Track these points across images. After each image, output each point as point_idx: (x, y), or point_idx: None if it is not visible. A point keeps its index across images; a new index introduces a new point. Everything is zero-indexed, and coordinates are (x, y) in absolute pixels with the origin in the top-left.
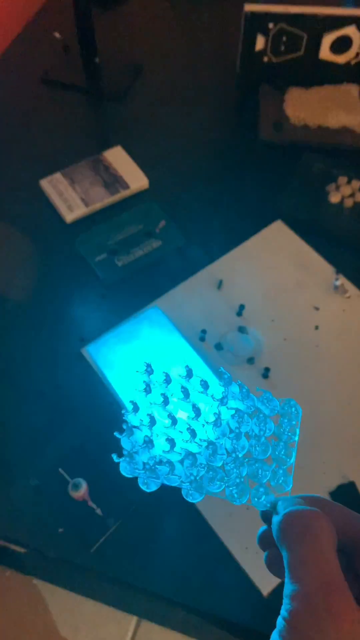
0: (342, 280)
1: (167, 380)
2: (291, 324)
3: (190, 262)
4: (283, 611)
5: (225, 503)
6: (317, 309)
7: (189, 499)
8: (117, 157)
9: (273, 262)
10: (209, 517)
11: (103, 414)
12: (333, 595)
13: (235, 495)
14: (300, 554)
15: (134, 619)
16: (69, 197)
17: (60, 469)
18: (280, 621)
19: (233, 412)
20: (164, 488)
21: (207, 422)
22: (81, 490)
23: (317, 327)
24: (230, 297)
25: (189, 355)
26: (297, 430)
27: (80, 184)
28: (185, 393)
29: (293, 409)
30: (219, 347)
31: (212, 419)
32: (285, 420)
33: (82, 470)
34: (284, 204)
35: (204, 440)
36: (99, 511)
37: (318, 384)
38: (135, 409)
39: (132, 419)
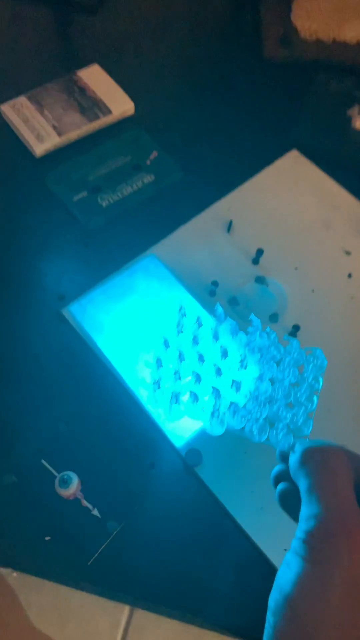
0: None
1: (199, 323)
2: (319, 272)
3: (192, 200)
4: (299, 532)
5: (253, 497)
6: (348, 253)
7: (212, 432)
8: (95, 78)
9: (292, 199)
10: (235, 513)
11: (93, 389)
12: (349, 517)
13: (255, 432)
14: (319, 479)
15: (126, 608)
16: (37, 125)
17: (43, 461)
18: (296, 542)
19: (258, 356)
20: (176, 479)
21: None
22: (72, 487)
23: (350, 275)
24: (244, 241)
25: (198, 313)
26: (321, 380)
27: (50, 109)
28: (215, 336)
29: (319, 360)
30: (233, 302)
31: (238, 360)
32: (310, 367)
33: (72, 460)
34: (298, 132)
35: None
36: (95, 512)
37: (355, 343)
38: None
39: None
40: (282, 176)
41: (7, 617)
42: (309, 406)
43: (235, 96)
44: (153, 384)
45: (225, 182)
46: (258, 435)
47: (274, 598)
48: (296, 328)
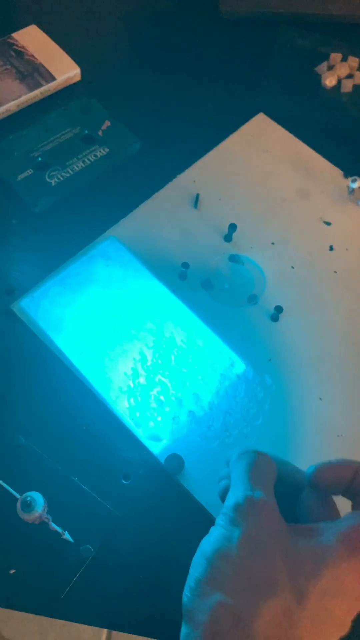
0: (359, 183)
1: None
2: (298, 246)
3: (152, 173)
4: (222, 509)
5: None
6: (328, 224)
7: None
8: (34, 40)
9: (263, 167)
10: None
11: (54, 396)
12: (257, 497)
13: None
14: (243, 471)
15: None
16: None
17: (1, 482)
18: (219, 517)
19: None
20: (155, 490)
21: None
22: (37, 510)
23: (331, 248)
24: (213, 216)
25: (168, 300)
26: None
27: None
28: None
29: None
30: (207, 285)
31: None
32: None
33: (34, 479)
34: (264, 94)
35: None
36: (65, 536)
37: (342, 319)
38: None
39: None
40: (250, 143)
41: None
42: (255, 421)
43: (193, 57)
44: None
45: (188, 151)
46: (211, 440)
47: (195, 558)
48: (278, 310)
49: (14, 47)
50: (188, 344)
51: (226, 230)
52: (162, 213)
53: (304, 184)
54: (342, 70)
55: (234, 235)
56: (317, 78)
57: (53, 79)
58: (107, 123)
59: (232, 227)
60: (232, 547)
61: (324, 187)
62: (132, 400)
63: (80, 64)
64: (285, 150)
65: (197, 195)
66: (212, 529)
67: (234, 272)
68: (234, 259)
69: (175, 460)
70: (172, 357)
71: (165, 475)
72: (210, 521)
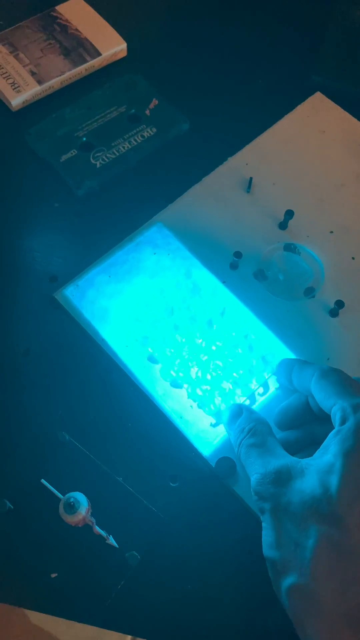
0: None
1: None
2: (359, 234)
3: (202, 156)
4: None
5: None
6: None
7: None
8: (78, 13)
9: (320, 150)
10: None
11: (98, 390)
12: None
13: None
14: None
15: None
16: (12, 72)
17: (43, 480)
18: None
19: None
20: (205, 494)
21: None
22: (80, 512)
23: None
24: (267, 201)
25: (218, 291)
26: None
27: (27, 52)
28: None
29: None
30: (260, 275)
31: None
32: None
33: (78, 479)
34: (320, 72)
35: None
36: (110, 540)
37: None
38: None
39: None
40: (306, 124)
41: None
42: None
43: (244, 33)
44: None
45: (240, 133)
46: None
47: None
48: (339, 305)
49: (58, 20)
50: (239, 339)
51: (281, 217)
52: (212, 198)
53: None
54: None
55: (290, 222)
56: None
57: (99, 54)
58: (155, 102)
59: (289, 213)
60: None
61: None
62: (181, 397)
63: (127, 38)
64: (345, 132)
65: (251, 179)
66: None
67: (290, 262)
68: (289, 248)
69: (227, 464)
70: (224, 353)
71: (216, 479)
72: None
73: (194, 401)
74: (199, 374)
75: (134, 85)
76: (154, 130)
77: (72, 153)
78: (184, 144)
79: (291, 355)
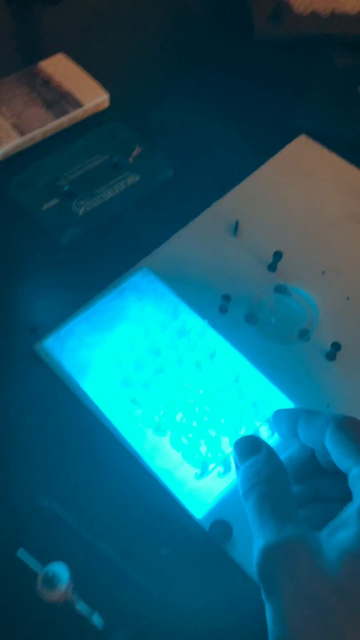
0: None
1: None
2: (352, 274)
3: (186, 201)
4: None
5: None
6: None
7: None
8: (61, 68)
9: (307, 191)
10: None
11: (81, 449)
12: None
13: None
14: None
15: None
16: None
17: (21, 550)
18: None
19: None
20: (200, 563)
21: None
22: (61, 587)
23: None
24: (255, 244)
25: (207, 333)
26: None
27: (9, 106)
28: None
29: None
30: (251, 318)
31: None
32: None
33: (58, 548)
34: (305, 115)
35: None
36: (94, 619)
37: None
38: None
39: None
40: (291, 166)
41: None
42: None
43: (227, 81)
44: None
45: (225, 178)
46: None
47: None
48: (336, 347)
49: (41, 75)
50: (228, 383)
51: (270, 259)
52: (198, 242)
53: (354, 206)
54: None
55: (279, 264)
56: None
57: (80, 105)
58: (138, 149)
59: (277, 255)
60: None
61: None
62: (170, 453)
63: (110, 89)
64: (331, 172)
65: (237, 222)
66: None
67: (281, 304)
68: (280, 289)
69: (222, 527)
70: (206, 409)
71: (211, 544)
72: None
73: (177, 450)
74: (184, 420)
75: (116, 133)
76: (138, 177)
77: (54, 202)
78: (169, 190)
79: (286, 401)
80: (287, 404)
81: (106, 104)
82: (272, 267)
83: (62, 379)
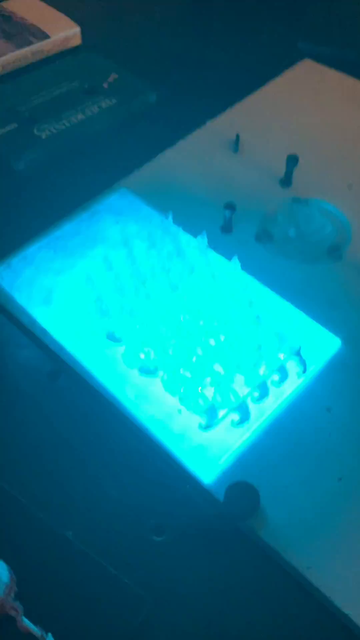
0: None
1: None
2: None
3: (173, 124)
4: None
5: None
6: None
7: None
8: (26, 6)
9: (318, 108)
10: (349, 608)
11: (37, 397)
12: None
13: None
14: None
15: None
16: None
17: None
18: None
19: None
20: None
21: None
22: None
23: None
24: (261, 159)
25: (210, 258)
26: None
27: None
28: None
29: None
30: (264, 236)
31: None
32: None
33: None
34: (307, 36)
35: None
36: None
37: None
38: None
39: None
40: (297, 86)
41: None
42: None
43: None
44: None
45: (218, 102)
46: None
47: None
48: None
49: (1, 12)
50: (240, 308)
51: (281, 173)
52: (191, 159)
53: None
54: None
55: (295, 177)
56: None
57: (47, 36)
58: (114, 76)
59: (292, 161)
60: None
61: None
62: (162, 400)
63: (83, 26)
64: (343, 90)
65: (237, 136)
66: None
67: (302, 217)
68: (299, 202)
69: (243, 494)
70: (221, 337)
71: (226, 523)
72: (318, 608)
73: (173, 395)
74: (180, 357)
75: (89, 62)
76: (114, 101)
77: (12, 126)
78: (152, 115)
79: (320, 328)
80: (322, 332)
81: (78, 40)
82: (285, 182)
83: (16, 315)
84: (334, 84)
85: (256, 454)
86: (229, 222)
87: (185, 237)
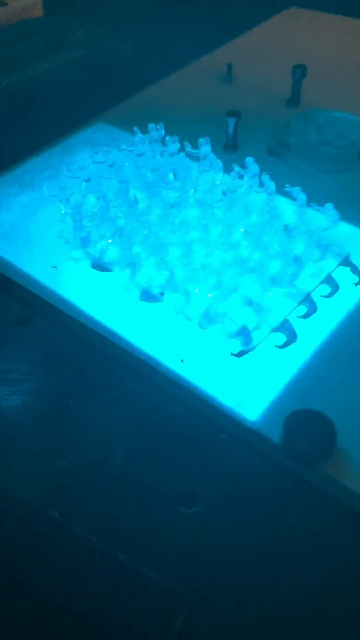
0: None
1: None
2: None
3: (155, 72)
4: None
5: None
6: None
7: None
8: None
9: (314, 41)
10: None
11: (11, 350)
12: None
13: None
14: None
15: None
16: None
17: None
18: None
19: None
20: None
21: None
22: None
23: None
24: (259, 84)
25: (218, 178)
26: None
27: None
28: None
29: None
30: (279, 147)
31: None
32: None
33: None
34: None
35: None
36: None
37: None
38: None
39: None
40: (289, 29)
41: None
42: None
43: None
44: None
45: (199, 46)
46: None
47: None
48: None
49: None
50: (268, 227)
51: (285, 95)
52: (178, 94)
53: None
54: None
55: (303, 95)
56: None
57: (3, 4)
58: (82, 31)
59: (300, 70)
60: None
61: None
62: (171, 326)
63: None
64: (339, 26)
65: (230, 65)
66: None
67: (323, 120)
68: (315, 112)
69: (309, 430)
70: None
71: (287, 474)
72: None
73: (189, 317)
74: (193, 275)
75: (54, 22)
76: (82, 52)
77: None
78: (129, 66)
79: None
80: None
81: (40, 11)
82: (293, 100)
83: None
84: (328, 22)
85: (316, 382)
86: (233, 137)
87: (186, 163)
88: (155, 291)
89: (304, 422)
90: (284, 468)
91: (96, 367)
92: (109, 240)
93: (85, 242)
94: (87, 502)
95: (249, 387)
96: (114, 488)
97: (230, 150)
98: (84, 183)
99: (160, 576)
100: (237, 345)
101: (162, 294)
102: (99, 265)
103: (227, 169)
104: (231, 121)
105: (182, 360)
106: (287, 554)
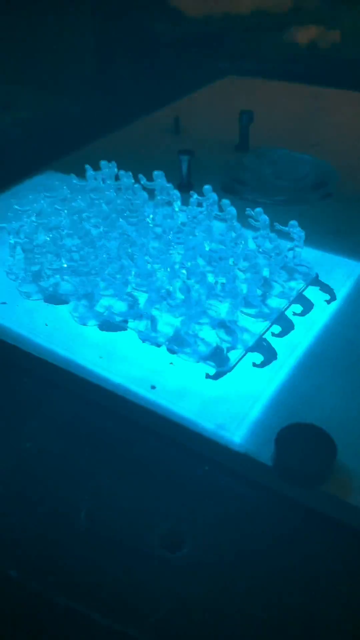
0: None
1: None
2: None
3: (96, 126)
4: None
5: None
6: None
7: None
8: None
9: (259, 102)
10: None
11: None
12: None
13: None
14: None
15: None
16: None
17: None
18: None
19: None
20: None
21: None
22: None
23: None
24: (207, 134)
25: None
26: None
27: None
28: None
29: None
30: (233, 184)
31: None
32: None
33: None
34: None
35: None
36: None
37: None
38: None
39: None
40: (227, 94)
41: None
42: None
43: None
44: None
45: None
46: None
47: None
48: None
49: None
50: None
51: (233, 143)
52: (126, 148)
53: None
54: None
55: (252, 141)
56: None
57: None
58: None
59: (247, 116)
60: None
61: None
62: (140, 354)
63: None
64: (275, 88)
65: (177, 119)
66: None
67: (278, 157)
68: (265, 152)
69: (306, 446)
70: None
71: (284, 500)
72: None
73: (157, 343)
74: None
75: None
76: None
77: None
78: (79, 123)
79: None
80: (336, 260)
81: None
82: (242, 144)
83: None
84: (265, 86)
85: (301, 396)
86: (187, 176)
87: (142, 195)
88: (117, 319)
89: (298, 438)
90: (278, 495)
91: (57, 404)
92: (65, 266)
93: (37, 276)
94: (54, 558)
95: (229, 408)
96: (82, 541)
97: (185, 189)
98: (34, 215)
99: (147, 638)
100: (211, 367)
101: (125, 321)
102: (53, 298)
103: (185, 204)
104: (184, 159)
105: (153, 387)
106: (293, 603)
